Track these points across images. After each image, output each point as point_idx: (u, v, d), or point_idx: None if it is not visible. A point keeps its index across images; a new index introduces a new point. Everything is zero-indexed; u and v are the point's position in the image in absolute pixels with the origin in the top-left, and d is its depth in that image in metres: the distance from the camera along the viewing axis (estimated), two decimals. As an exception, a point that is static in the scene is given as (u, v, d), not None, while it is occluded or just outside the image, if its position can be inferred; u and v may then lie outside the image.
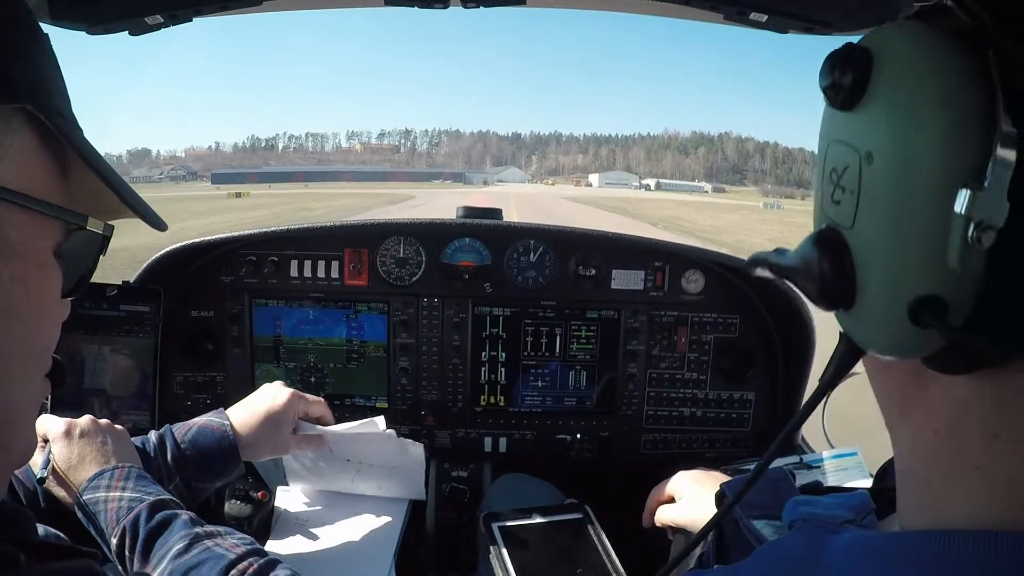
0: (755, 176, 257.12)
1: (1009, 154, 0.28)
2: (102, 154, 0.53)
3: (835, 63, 0.36)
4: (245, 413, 1.12)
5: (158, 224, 0.59)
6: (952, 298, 0.31)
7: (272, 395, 1.15)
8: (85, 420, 0.99)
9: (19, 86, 0.45)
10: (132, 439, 1.02)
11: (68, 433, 0.96)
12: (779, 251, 0.42)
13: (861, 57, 0.35)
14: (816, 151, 0.41)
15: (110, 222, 0.55)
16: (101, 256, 0.55)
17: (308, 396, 1.19)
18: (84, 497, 0.89)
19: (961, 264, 0.30)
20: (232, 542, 0.85)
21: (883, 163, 0.33)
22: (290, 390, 1.17)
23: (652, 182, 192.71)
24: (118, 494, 0.88)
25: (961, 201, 0.29)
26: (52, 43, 0.50)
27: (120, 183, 0.53)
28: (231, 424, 1.09)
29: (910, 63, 0.32)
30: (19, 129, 0.46)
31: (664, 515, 1.10)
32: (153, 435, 1.06)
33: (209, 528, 0.86)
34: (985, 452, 0.35)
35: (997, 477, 0.34)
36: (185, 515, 0.87)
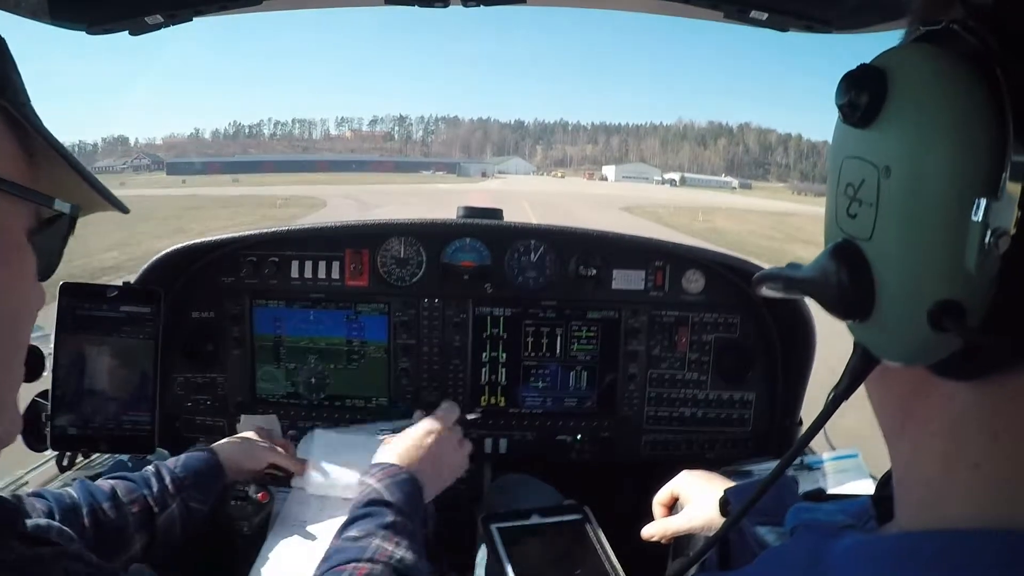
0: (779, 171, 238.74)
1: (1021, 163, 0.31)
2: (76, 141, 0.54)
3: (852, 83, 0.37)
4: (223, 440, 1.27)
5: (120, 206, 0.63)
6: (968, 302, 0.33)
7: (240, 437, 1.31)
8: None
9: None
10: (127, 479, 1.08)
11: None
12: (793, 265, 0.45)
13: (877, 78, 0.36)
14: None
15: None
16: (69, 237, 0.59)
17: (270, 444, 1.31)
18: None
19: (978, 269, 0.32)
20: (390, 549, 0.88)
21: (901, 176, 0.35)
22: (254, 441, 1.29)
23: (677, 176, 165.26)
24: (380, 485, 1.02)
25: (978, 210, 0.31)
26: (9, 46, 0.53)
27: (81, 166, 0.56)
28: (212, 448, 1.22)
29: (924, 84, 0.35)
30: None
31: (669, 527, 1.09)
32: (147, 469, 1.13)
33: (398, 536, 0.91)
34: (984, 452, 0.36)
35: (996, 476, 0.36)
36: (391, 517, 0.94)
